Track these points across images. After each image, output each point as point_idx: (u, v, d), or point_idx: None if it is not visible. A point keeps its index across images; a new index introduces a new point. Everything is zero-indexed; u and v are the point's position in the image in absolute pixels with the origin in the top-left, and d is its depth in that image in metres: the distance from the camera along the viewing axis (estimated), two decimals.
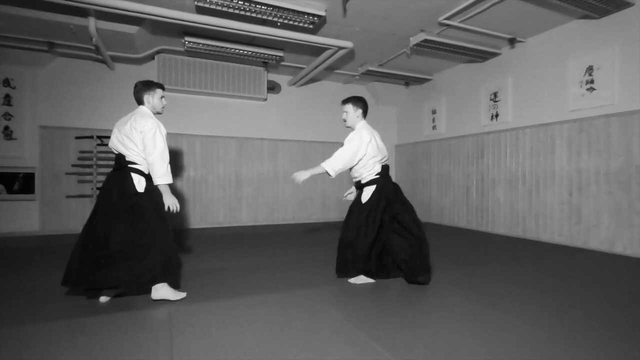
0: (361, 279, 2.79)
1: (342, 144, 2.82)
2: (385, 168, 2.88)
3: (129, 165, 2.34)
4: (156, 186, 2.38)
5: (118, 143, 2.36)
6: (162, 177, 2.33)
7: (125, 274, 2.21)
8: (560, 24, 4.43)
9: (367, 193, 2.80)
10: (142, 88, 2.47)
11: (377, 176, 2.82)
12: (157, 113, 2.52)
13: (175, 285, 2.42)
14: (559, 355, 1.66)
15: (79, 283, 2.22)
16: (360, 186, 2.88)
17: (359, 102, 2.89)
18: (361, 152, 2.72)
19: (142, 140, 2.30)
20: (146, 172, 2.38)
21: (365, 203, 2.79)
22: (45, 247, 4.23)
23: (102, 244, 2.23)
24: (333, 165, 2.67)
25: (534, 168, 4.74)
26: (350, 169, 2.86)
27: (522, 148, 4.91)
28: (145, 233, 2.27)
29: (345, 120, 2.92)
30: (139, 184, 2.34)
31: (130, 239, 2.24)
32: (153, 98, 2.48)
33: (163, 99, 2.55)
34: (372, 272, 2.79)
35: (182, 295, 2.39)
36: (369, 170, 2.81)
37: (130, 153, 2.33)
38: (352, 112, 2.88)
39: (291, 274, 3.08)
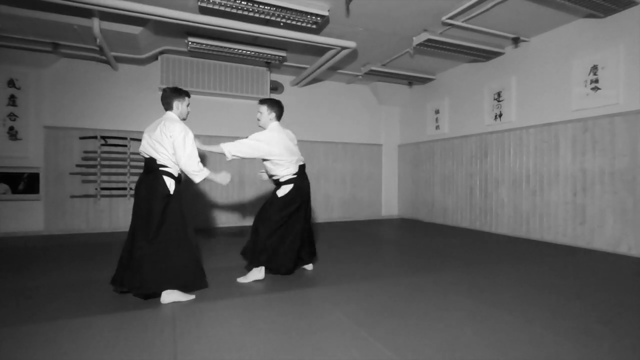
0: (254, 274, 2.87)
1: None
2: (301, 167, 3.03)
3: (160, 169, 2.44)
4: (180, 191, 2.50)
5: (149, 147, 2.45)
6: (199, 173, 2.46)
7: (147, 279, 2.31)
8: (565, 23, 4.40)
9: (284, 190, 2.94)
10: (173, 94, 2.55)
11: (295, 176, 2.96)
12: (182, 119, 2.59)
13: (199, 285, 2.54)
14: (562, 355, 1.65)
15: (115, 283, 2.41)
16: (278, 184, 3.00)
17: (275, 105, 3.01)
18: (264, 149, 2.82)
19: (172, 145, 2.39)
20: (175, 175, 2.49)
21: (281, 198, 2.92)
22: (49, 247, 4.26)
23: (130, 246, 2.37)
24: (230, 148, 2.77)
25: (537, 168, 4.72)
26: (264, 162, 2.99)
27: (526, 148, 4.88)
28: (169, 237, 2.38)
29: (259, 120, 3.03)
30: (170, 186, 2.45)
31: (153, 243, 2.33)
32: (182, 104, 2.58)
33: (189, 106, 2.64)
34: (267, 266, 2.89)
35: (191, 297, 2.43)
36: (285, 170, 2.93)
37: (161, 157, 2.43)
38: (265, 114, 2.99)
39: (293, 273, 3.08)
